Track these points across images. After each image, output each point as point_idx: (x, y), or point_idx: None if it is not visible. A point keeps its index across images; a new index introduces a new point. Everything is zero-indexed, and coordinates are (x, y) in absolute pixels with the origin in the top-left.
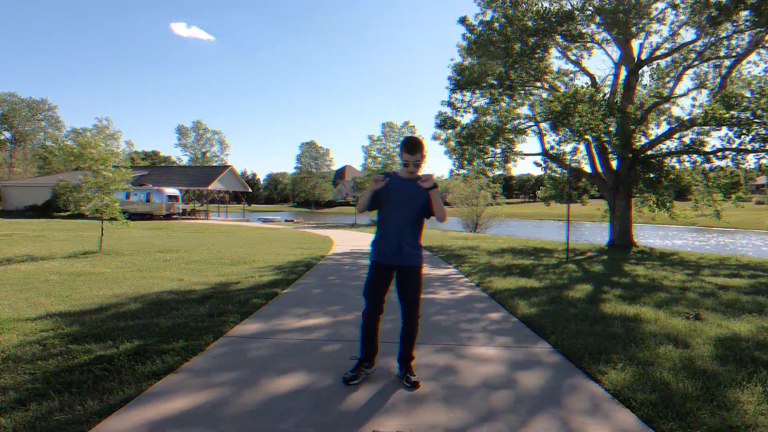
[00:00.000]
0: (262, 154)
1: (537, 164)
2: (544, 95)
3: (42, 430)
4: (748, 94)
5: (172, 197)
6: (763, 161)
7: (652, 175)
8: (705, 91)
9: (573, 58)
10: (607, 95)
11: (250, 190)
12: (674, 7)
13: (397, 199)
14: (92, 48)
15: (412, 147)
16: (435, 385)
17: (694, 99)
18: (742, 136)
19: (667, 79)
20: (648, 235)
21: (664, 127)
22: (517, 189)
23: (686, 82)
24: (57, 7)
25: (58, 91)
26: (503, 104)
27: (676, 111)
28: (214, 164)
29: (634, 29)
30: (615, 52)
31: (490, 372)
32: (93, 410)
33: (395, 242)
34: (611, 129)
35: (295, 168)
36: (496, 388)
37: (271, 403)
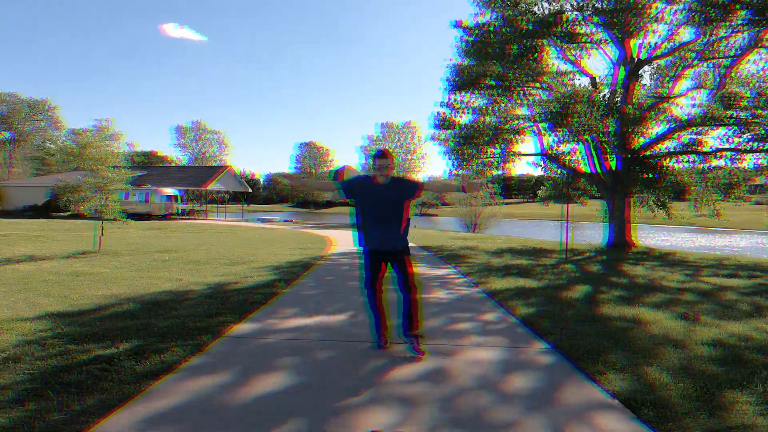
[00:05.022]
0: (261, 155)
1: (535, 165)
2: (543, 96)
3: (40, 429)
4: (747, 94)
5: (170, 197)
6: (762, 161)
7: (650, 176)
8: (704, 91)
9: (571, 58)
10: (606, 95)
11: (249, 190)
12: (670, 4)
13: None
14: (85, 49)
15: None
16: (431, 385)
17: (693, 99)
18: (742, 136)
19: (666, 78)
20: (647, 235)
21: (662, 127)
22: (516, 189)
23: (685, 82)
24: (52, 8)
25: (55, 92)
26: (502, 105)
27: (675, 111)
28: (213, 164)
29: (632, 29)
30: (614, 53)
31: (487, 372)
32: (91, 410)
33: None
34: (609, 129)
35: (295, 168)
36: (493, 389)
37: (268, 402)
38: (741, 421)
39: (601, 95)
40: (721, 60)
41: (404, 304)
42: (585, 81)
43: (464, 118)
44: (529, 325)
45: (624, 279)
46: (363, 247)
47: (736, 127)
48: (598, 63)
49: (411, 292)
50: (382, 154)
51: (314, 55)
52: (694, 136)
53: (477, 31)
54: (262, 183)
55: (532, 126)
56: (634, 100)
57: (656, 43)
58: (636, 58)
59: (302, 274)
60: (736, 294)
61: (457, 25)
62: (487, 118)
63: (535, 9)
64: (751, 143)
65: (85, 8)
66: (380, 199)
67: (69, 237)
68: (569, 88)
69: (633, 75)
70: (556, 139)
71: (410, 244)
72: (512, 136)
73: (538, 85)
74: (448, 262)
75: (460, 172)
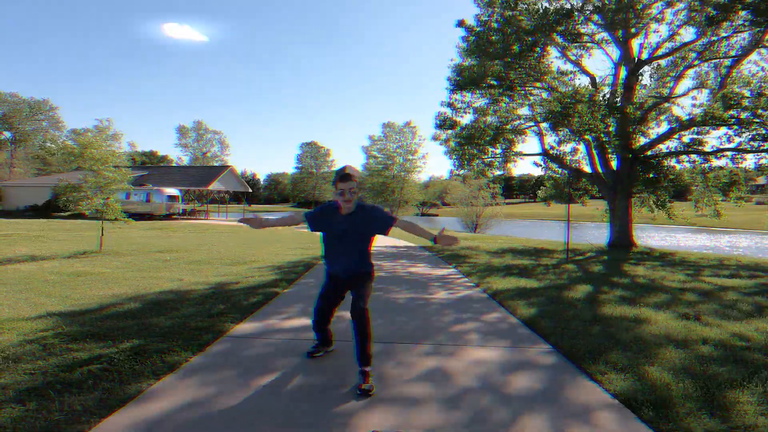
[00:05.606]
0: (262, 155)
1: (537, 164)
2: (544, 95)
3: (41, 429)
4: (748, 94)
5: (172, 197)
6: (763, 161)
7: (651, 175)
8: (705, 91)
9: (573, 58)
10: (607, 95)
11: (250, 190)
12: (670, 4)
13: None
14: (85, 49)
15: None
16: (432, 385)
17: (694, 99)
18: (742, 135)
19: (667, 78)
20: (648, 235)
21: (663, 127)
22: (517, 189)
23: (686, 82)
24: (52, 8)
25: (55, 92)
26: (503, 104)
27: (676, 111)
28: (215, 164)
29: (633, 29)
30: (615, 52)
31: (488, 373)
32: (92, 409)
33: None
34: (611, 129)
35: (296, 168)
36: (494, 389)
37: (269, 402)
38: (742, 421)
39: (602, 95)
40: (722, 60)
41: (354, 332)
42: (586, 81)
43: (466, 118)
44: (530, 326)
45: (625, 279)
46: (326, 269)
47: (737, 127)
48: (599, 63)
49: (361, 321)
50: (343, 176)
51: (314, 55)
52: (695, 136)
53: (478, 30)
54: (262, 183)
55: (533, 126)
56: (635, 99)
57: (657, 43)
58: (637, 58)
59: (304, 274)
60: (737, 294)
61: (460, 24)
62: (489, 118)
63: (537, 8)
64: (752, 143)
65: (85, 8)
66: (344, 230)
67: (70, 237)
68: (570, 88)
69: (634, 75)
70: (557, 138)
71: (411, 244)
72: (513, 136)
73: (539, 84)
74: (450, 262)
75: (462, 171)
